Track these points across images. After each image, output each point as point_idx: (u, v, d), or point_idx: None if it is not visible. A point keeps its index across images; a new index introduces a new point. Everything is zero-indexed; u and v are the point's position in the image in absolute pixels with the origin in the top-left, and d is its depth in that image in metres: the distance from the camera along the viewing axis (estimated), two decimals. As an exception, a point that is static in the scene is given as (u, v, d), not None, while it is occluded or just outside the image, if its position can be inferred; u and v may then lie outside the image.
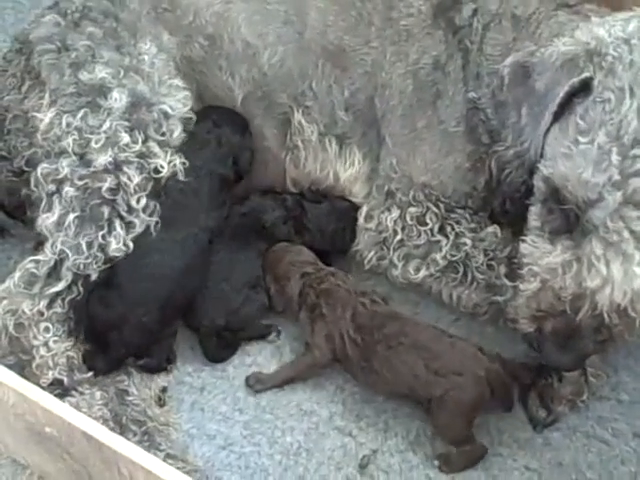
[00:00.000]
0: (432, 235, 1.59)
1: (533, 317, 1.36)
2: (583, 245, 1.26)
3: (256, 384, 1.59)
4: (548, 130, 1.32)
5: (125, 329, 1.50)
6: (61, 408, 1.25)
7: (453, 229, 1.58)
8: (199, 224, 1.59)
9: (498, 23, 1.53)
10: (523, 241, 1.39)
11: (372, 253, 1.65)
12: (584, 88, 1.27)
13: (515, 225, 1.48)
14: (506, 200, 1.46)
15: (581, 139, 1.24)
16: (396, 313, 1.59)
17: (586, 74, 1.27)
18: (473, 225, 1.59)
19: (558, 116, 1.31)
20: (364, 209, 1.67)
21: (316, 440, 1.53)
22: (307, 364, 1.59)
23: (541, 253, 1.34)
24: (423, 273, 1.60)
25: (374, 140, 1.67)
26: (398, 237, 1.61)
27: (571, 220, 1.28)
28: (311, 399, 1.57)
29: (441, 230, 1.59)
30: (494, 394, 1.47)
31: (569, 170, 1.25)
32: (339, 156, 1.68)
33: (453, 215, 1.60)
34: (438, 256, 1.58)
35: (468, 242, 1.57)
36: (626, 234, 1.21)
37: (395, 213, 1.61)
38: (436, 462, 1.50)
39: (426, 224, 1.59)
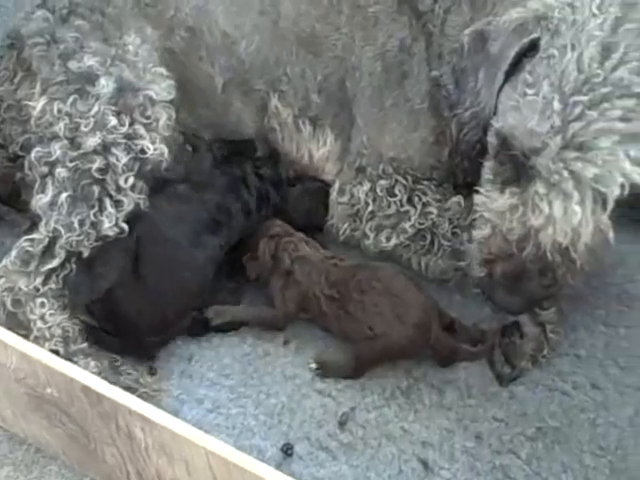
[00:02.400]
0: (401, 205, 1.70)
1: (484, 262, 1.47)
2: (528, 189, 1.37)
3: (215, 317, 1.68)
4: (501, 89, 1.43)
5: (146, 320, 1.61)
6: (61, 365, 1.33)
7: (420, 199, 1.70)
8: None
9: (457, 7, 1.63)
10: (477, 192, 1.51)
11: (346, 225, 1.76)
12: (532, 48, 1.38)
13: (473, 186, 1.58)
14: (464, 159, 1.57)
15: (528, 91, 1.35)
16: (366, 263, 1.70)
17: (534, 35, 1.38)
18: (438, 196, 1.70)
19: (509, 75, 1.42)
20: (336, 184, 1.78)
21: (298, 401, 1.62)
22: (270, 317, 1.69)
23: (491, 201, 1.46)
24: (394, 242, 1.71)
25: (346, 120, 1.78)
26: (369, 208, 1.72)
27: (519, 170, 1.39)
28: (293, 364, 1.67)
29: (409, 201, 1.70)
30: (433, 348, 1.60)
31: (517, 121, 1.36)
32: (313, 137, 1.79)
33: (420, 186, 1.71)
34: (407, 225, 1.69)
35: (434, 211, 1.69)
36: (566, 174, 1.31)
37: (366, 186, 1.72)
38: (313, 365, 1.64)
39: (395, 195, 1.71)
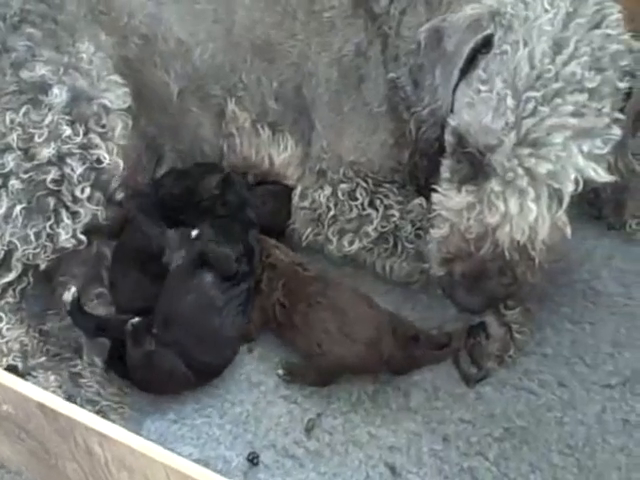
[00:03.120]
0: (363, 209, 1.69)
1: (444, 261, 1.46)
2: (484, 187, 1.37)
3: None
4: (457, 86, 1.43)
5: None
6: (15, 382, 1.30)
7: (382, 202, 1.69)
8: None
9: (413, 8, 1.63)
10: (434, 191, 1.50)
11: (308, 230, 1.75)
12: (487, 44, 1.38)
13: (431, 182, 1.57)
14: (423, 157, 1.57)
15: (482, 88, 1.35)
16: (324, 277, 1.68)
17: (488, 31, 1.38)
18: (400, 198, 1.70)
19: (465, 72, 1.42)
20: (298, 189, 1.77)
21: (264, 408, 1.60)
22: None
23: (449, 199, 1.45)
24: (357, 246, 1.70)
25: (305, 126, 1.77)
26: (331, 213, 1.71)
27: (476, 167, 1.39)
28: (258, 370, 1.66)
29: (371, 204, 1.69)
30: (388, 363, 1.58)
31: (472, 118, 1.36)
32: (272, 141, 1.78)
33: (381, 189, 1.70)
34: (369, 228, 1.68)
35: (396, 214, 1.68)
36: (520, 171, 1.31)
37: (327, 190, 1.71)
38: (280, 371, 1.63)
39: (357, 199, 1.70)
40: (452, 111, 1.46)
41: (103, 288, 1.72)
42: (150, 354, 1.54)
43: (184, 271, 1.65)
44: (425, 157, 1.58)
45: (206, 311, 1.60)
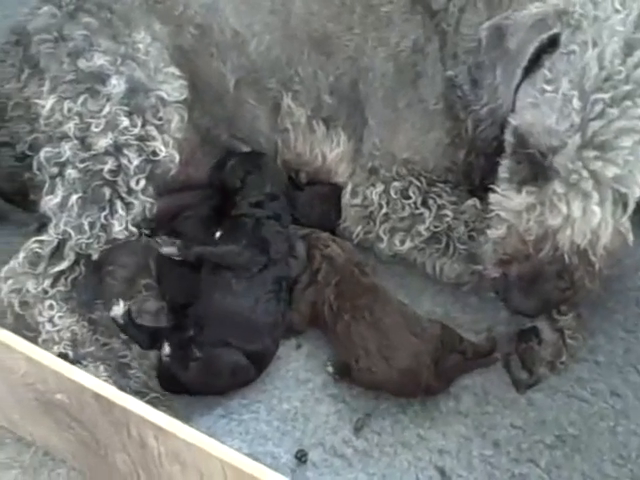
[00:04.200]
0: (415, 208, 1.67)
1: (500, 262, 1.44)
2: (546, 188, 1.35)
3: None
4: (519, 85, 1.41)
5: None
6: (72, 371, 1.31)
7: (435, 202, 1.67)
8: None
9: (473, 5, 1.61)
10: (492, 191, 1.48)
11: (359, 228, 1.73)
12: (552, 44, 1.36)
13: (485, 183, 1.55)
14: (480, 156, 1.55)
15: (547, 88, 1.33)
16: (377, 287, 1.65)
17: (554, 31, 1.36)
18: (454, 198, 1.67)
19: (528, 72, 1.40)
20: (349, 186, 1.75)
21: (312, 406, 1.59)
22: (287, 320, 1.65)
23: (508, 200, 1.43)
24: (408, 245, 1.68)
25: (358, 122, 1.75)
26: (383, 211, 1.69)
27: (537, 168, 1.36)
28: (306, 368, 1.64)
29: (424, 203, 1.67)
30: (425, 392, 1.55)
31: (535, 118, 1.34)
32: (326, 137, 1.76)
33: (435, 189, 1.68)
34: (422, 228, 1.66)
35: (449, 214, 1.66)
36: (585, 174, 1.29)
37: (380, 188, 1.69)
38: (330, 369, 1.60)
39: (409, 197, 1.68)
40: (513, 111, 1.44)
41: (151, 279, 1.71)
42: (206, 361, 1.52)
43: (207, 271, 1.64)
44: (482, 157, 1.57)
45: (234, 302, 1.58)
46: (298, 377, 1.63)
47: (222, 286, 1.59)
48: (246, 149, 1.82)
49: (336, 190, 1.78)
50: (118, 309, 1.55)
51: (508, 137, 1.45)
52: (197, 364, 1.52)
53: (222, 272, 1.60)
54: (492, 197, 1.50)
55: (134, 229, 1.56)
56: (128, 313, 1.56)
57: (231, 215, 1.70)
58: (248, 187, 1.72)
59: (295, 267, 1.67)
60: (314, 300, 1.64)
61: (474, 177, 1.63)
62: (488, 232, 1.50)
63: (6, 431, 1.59)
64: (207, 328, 1.55)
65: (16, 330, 1.53)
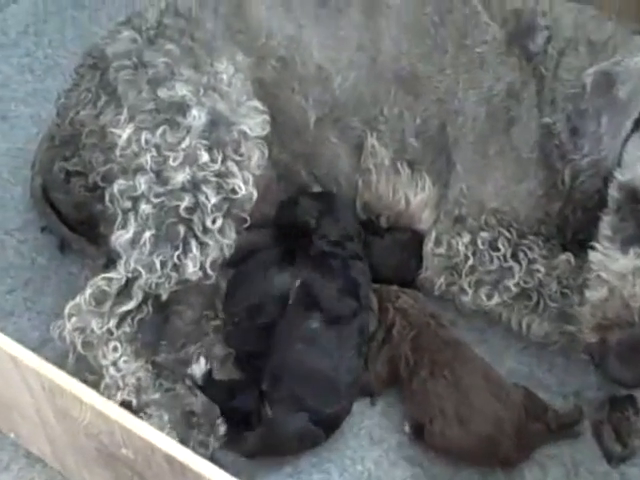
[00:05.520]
0: (505, 261, 1.57)
1: (598, 326, 1.35)
2: None
3: None
4: (628, 138, 1.34)
5: None
6: (143, 428, 1.22)
7: (526, 255, 1.56)
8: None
9: (574, 49, 1.54)
10: (593, 248, 1.40)
11: (442, 279, 1.63)
12: None
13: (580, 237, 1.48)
14: (578, 210, 1.47)
15: None
16: (458, 342, 1.55)
17: None
18: (545, 252, 1.57)
19: (639, 124, 1.33)
20: (432, 234, 1.65)
21: (386, 469, 1.49)
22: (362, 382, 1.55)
23: (611, 260, 1.35)
24: (495, 300, 1.58)
25: (443, 166, 1.66)
26: (470, 262, 1.59)
27: None
28: (380, 426, 1.54)
29: (514, 256, 1.57)
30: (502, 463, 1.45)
31: None
32: (411, 180, 1.67)
33: (525, 241, 1.58)
34: (511, 283, 1.56)
35: (541, 269, 1.55)
36: None
37: (466, 238, 1.60)
38: (407, 428, 1.50)
39: (498, 249, 1.58)
40: (620, 165, 1.36)
41: (219, 321, 1.62)
42: (272, 424, 1.40)
43: (292, 317, 1.53)
44: (579, 210, 1.48)
45: (318, 357, 1.48)
46: (372, 436, 1.53)
47: (306, 336, 1.48)
48: (317, 189, 1.74)
49: (417, 238, 1.68)
50: (198, 368, 1.45)
51: (613, 192, 1.38)
52: (257, 433, 1.41)
53: (309, 319, 1.50)
54: (592, 255, 1.41)
55: (211, 272, 1.47)
56: (209, 373, 1.45)
57: (310, 255, 1.60)
58: (324, 227, 1.63)
59: (373, 320, 1.57)
60: (391, 357, 1.54)
61: (566, 231, 1.54)
62: (587, 293, 1.40)
63: (57, 473, 1.50)
64: (282, 384, 1.44)
65: (78, 372, 1.46)
